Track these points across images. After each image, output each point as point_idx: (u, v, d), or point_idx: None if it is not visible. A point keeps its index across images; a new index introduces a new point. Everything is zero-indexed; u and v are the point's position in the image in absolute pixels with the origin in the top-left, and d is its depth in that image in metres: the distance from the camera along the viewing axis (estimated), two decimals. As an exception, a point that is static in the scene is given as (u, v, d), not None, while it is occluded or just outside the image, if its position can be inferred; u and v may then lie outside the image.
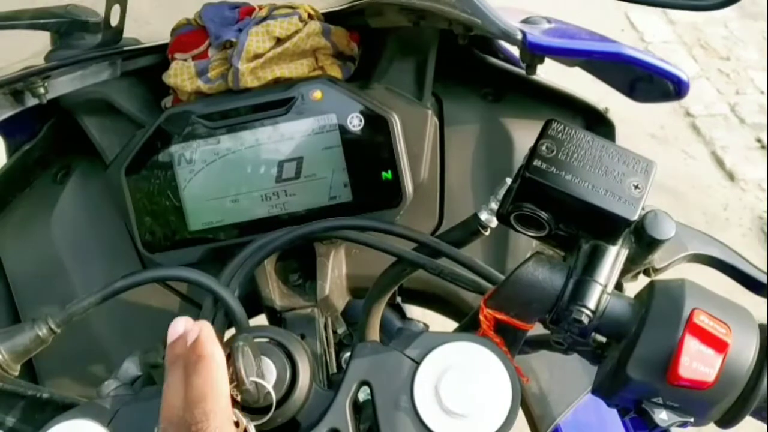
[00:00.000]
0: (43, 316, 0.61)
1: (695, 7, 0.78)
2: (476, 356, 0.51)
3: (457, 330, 0.61)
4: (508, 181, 0.59)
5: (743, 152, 2.70)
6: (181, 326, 0.50)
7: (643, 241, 0.52)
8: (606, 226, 0.52)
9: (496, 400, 0.49)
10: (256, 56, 0.75)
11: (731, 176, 2.60)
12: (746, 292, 0.61)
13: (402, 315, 1.11)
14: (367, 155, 0.75)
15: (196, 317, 0.52)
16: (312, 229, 0.73)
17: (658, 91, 0.70)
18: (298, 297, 0.79)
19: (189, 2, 0.81)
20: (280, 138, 0.75)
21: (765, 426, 0.52)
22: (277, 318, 0.79)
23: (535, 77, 0.75)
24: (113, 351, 0.82)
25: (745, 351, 0.49)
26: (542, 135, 0.54)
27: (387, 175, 0.76)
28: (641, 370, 0.49)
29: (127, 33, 0.78)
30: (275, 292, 0.78)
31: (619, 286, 0.55)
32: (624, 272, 0.55)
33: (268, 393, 0.50)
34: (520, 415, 0.76)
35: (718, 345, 0.48)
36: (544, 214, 0.53)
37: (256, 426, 0.50)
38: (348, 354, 0.85)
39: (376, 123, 0.75)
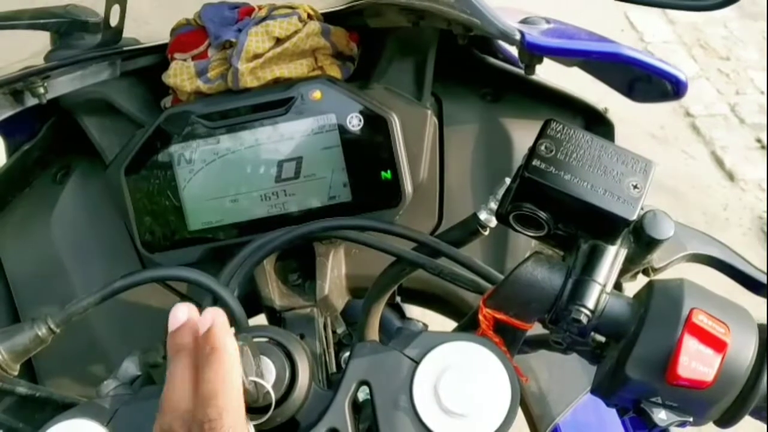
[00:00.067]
0: (42, 316, 0.61)
1: (695, 7, 0.78)
2: (475, 356, 0.51)
3: (456, 329, 0.61)
4: (507, 180, 0.59)
5: (743, 152, 2.70)
6: (183, 313, 0.47)
7: (642, 241, 0.53)
8: (605, 225, 0.52)
9: (496, 399, 0.49)
10: (256, 56, 0.75)
11: (731, 176, 2.60)
12: (746, 292, 0.61)
13: (401, 315, 1.11)
14: (367, 155, 0.75)
15: None
16: (311, 228, 0.73)
17: (656, 91, 0.70)
18: (298, 297, 0.79)
19: (189, 2, 0.81)
20: (280, 138, 0.75)
21: (765, 426, 0.52)
22: (276, 318, 0.79)
23: (534, 77, 0.75)
24: (113, 351, 0.82)
25: (744, 350, 0.49)
26: (541, 135, 0.54)
27: (386, 175, 0.76)
28: (640, 369, 0.49)
29: (127, 33, 0.78)
30: (275, 292, 0.78)
31: (618, 286, 0.55)
32: (623, 272, 0.55)
33: (268, 392, 0.50)
34: (520, 414, 0.76)
35: (717, 345, 0.48)
36: (543, 214, 0.53)
37: (255, 425, 0.50)
38: (347, 354, 0.84)
39: (376, 123, 0.75)
